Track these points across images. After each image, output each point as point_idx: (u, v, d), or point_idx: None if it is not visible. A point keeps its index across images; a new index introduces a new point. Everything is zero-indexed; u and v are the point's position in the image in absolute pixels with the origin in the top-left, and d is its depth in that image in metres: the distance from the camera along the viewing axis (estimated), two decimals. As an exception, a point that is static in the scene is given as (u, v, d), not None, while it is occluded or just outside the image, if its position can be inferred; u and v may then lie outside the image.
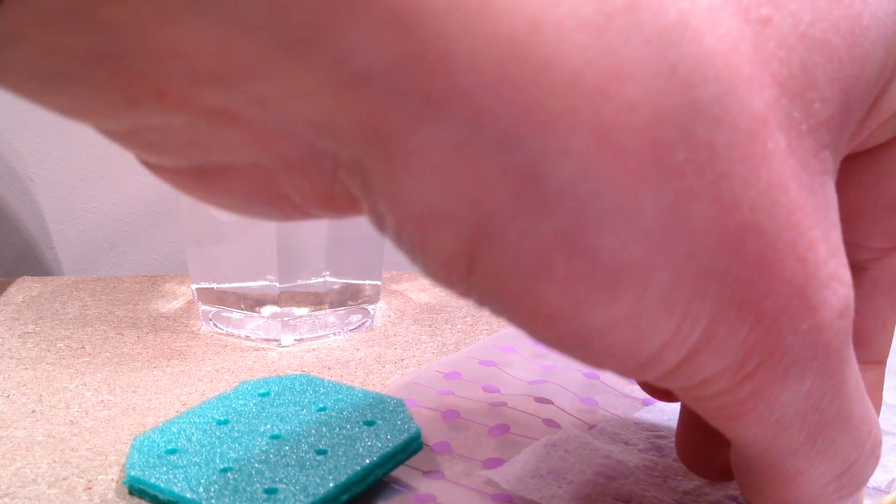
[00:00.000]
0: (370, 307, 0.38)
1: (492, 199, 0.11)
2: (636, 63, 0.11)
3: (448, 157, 0.11)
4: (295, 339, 0.35)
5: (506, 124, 0.11)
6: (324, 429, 0.24)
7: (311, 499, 0.21)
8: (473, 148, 0.11)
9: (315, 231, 0.35)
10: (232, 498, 0.21)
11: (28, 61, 0.11)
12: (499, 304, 0.12)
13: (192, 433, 0.24)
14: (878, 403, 0.19)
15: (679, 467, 0.23)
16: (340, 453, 0.23)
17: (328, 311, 0.36)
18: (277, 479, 0.21)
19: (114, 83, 0.11)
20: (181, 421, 0.25)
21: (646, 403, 0.28)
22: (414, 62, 0.11)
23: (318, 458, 0.22)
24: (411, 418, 0.24)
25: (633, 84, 0.11)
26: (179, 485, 0.21)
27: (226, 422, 0.25)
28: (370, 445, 0.23)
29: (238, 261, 0.35)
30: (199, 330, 0.37)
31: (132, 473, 0.22)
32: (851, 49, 0.13)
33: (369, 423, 0.24)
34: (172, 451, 0.23)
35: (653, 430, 0.26)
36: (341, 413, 0.25)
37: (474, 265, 0.12)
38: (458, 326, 0.37)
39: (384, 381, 0.31)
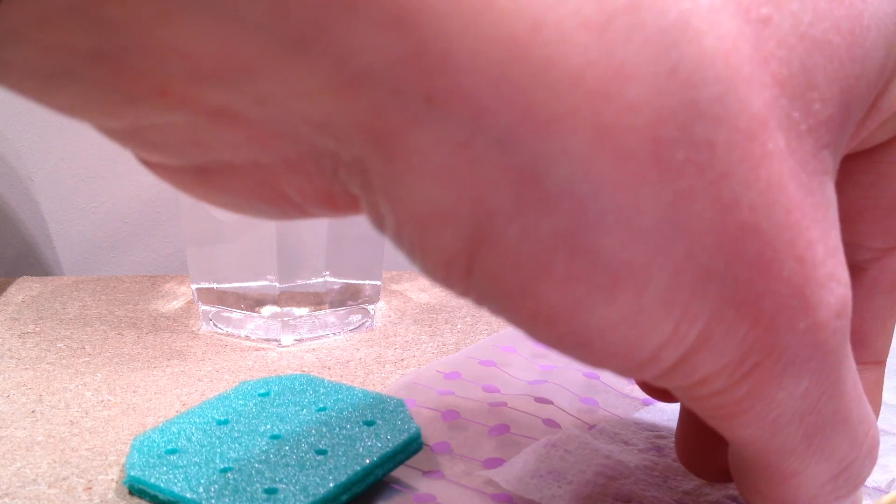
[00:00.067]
0: (370, 307, 0.38)
1: (492, 199, 0.11)
2: (637, 63, 0.11)
3: (448, 156, 0.11)
4: (295, 339, 0.35)
5: (506, 124, 0.11)
6: (324, 429, 0.24)
7: (311, 499, 0.21)
8: (474, 148, 0.11)
9: (315, 231, 0.35)
10: (232, 498, 0.21)
11: (28, 59, 0.11)
12: (498, 304, 0.12)
13: (192, 433, 0.24)
14: (877, 404, 0.19)
15: (679, 467, 0.23)
16: (340, 453, 0.23)
17: (328, 311, 0.36)
18: (277, 479, 0.21)
19: (114, 82, 0.11)
20: (181, 421, 0.25)
21: (646, 403, 0.28)
22: (414, 62, 0.11)
23: (318, 458, 0.22)
24: (411, 418, 0.24)
25: (633, 84, 0.11)
26: (179, 485, 0.21)
27: (226, 422, 0.25)
28: (370, 445, 0.23)
29: (238, 261, 0.35)
30: (199, 330, 0.37)
31: (132, 473, 0.22)
32: (852, 49, 0.13)
33: (369, 423, 0.24)
34: (172, 451, 0.23)
35: (653, 430, 0.26)
36: (341, 413, 0.25)
37: (474, 265, 0.12)
38: (458, 326, 0.37)
39: (384, 381, 0.31)
